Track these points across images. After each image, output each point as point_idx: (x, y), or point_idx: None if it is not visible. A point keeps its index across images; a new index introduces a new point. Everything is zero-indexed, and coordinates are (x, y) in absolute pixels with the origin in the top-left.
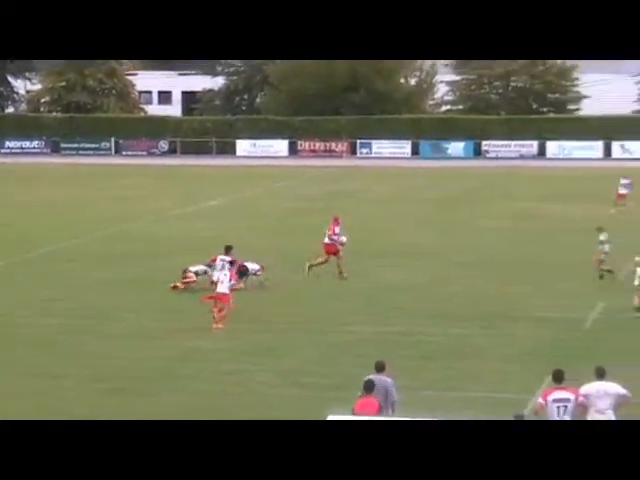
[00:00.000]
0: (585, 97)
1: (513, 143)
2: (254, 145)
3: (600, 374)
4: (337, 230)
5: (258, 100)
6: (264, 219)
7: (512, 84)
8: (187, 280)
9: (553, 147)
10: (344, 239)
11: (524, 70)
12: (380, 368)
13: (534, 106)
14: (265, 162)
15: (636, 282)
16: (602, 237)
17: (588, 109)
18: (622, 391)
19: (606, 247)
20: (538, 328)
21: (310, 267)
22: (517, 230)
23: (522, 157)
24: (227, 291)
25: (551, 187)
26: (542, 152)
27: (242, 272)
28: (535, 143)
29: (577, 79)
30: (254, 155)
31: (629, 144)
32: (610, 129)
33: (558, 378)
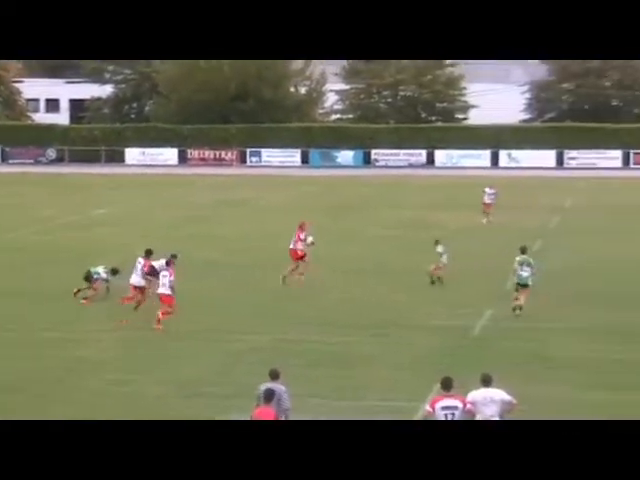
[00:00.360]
0: (473, 106)
1: (402, 152)
2: (143, 153)
3: (486, 381)
4: (302, 236)
5: (147, 108)
6: (154, 227)
7: (401, 93)
8: (95, 286)
9: (441, 156)
10: (310, 239)
11: (413, 79)
12: (274, 376)
13: (423, 115)
14: (154, 170)
15: (515, 280)
16: (439, 249)
17: (476, 118)
18: (507, 397)
19: (444, 258)
20: (427, 336)
21: (284, 278)
22: (406, 238)
23: (411, 166)
24: (169, 292)
25: (440, 196)
26: (431, 161)
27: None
28: (424, 152)
29: (465, 88)
30: (143, 163)
31: (516, 153)
32: (497, 138)
33: (446, 385)
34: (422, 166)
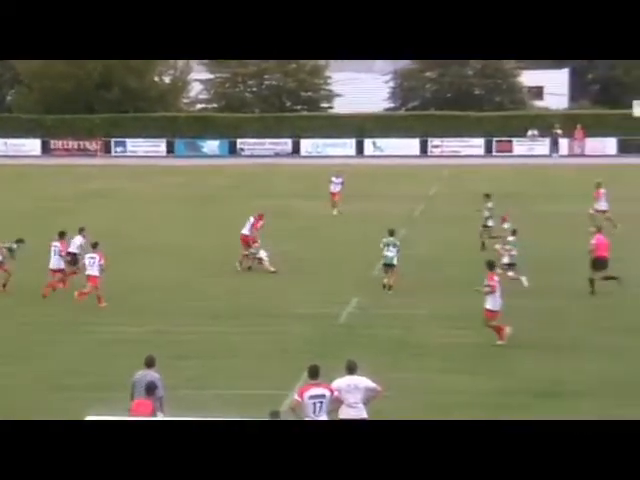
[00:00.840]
0: (338, 95)
1: (268, 141)
2: (5, 144)
3: (350, 368)
4: (259, 225)
5: (9, 98)
6: (17, 219)
7: (266, 82)
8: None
9: (307, 145)
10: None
11: (277, 68)
12: (150, 363)
13: (288, 104)
14: (17, 161)
15: (383, 261)
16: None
17: (341, 107)
18: (372, 385)
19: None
20: (294, 324)
21: (240, 262)
22: (273, 227)
23: (277, 155)
24: (97, 273)
25: (305, 185)
26: (296, 150)
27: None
28: (289, 141)
29: (329, 77)
30: (5, 154)
31: (380, 141)
32: (362, 127)
33: (313, 374)
34: (288, 155)
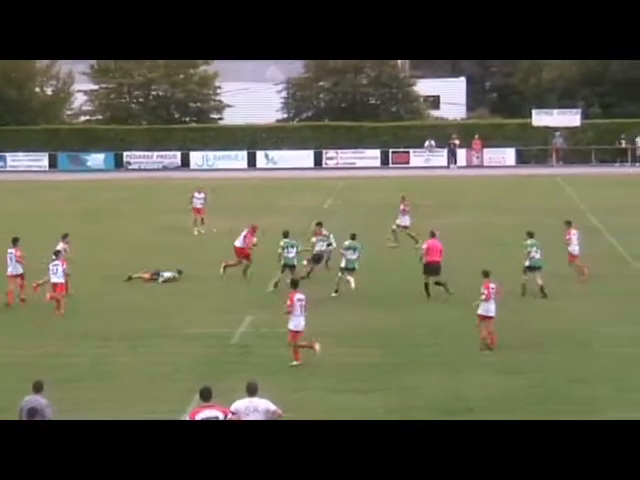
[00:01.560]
0: (228, 106)
1: (155, 154)
2: None
3: (251, 390)
4: (253, 238)
5: None
6: None
7: (153, 93)
8: None
9: (197, 157)
10: (255, 240)
11: (165, 79)
12: (38, 388)
13: (176, 115)
14: None
15: (343, 264)
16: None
17: (231, 118)
18: (272, 407)
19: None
20: (187, 345)
21: (225, 268)
22: (160, 243)
23: (165, 168)
24: (62, 280)
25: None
26: (186, 163)
27: None
28: (178, 154)
29: (219, 87)
30: None
31: (273, 153)
32: (254, 139)
33: (205, 396)
34: (177, 168)
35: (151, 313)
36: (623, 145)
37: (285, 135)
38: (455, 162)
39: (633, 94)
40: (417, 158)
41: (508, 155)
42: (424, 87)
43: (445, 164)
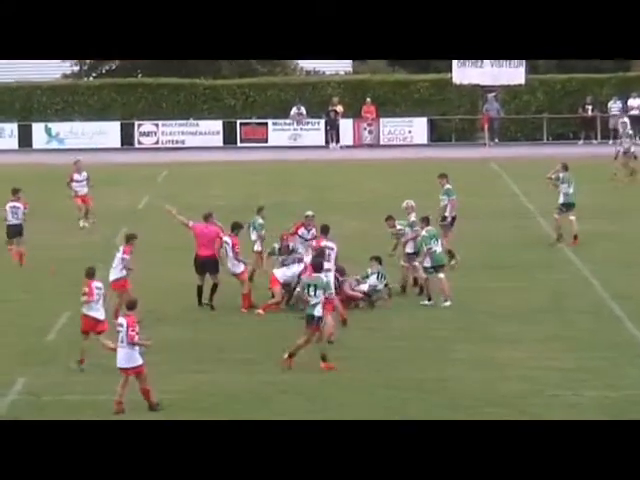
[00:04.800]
0: None
1: None
2: None
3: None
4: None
5: None
6: None
7: None
8: None
9: None
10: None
11: None
12: None
13: None
14: None
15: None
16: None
17: None
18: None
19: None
20: None
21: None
22: None
23: None
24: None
25: None
26: None
27: None
28: None
29: None
30: None
31: (58, 127)
32: (28, 104)
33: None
34: None
35: None
36: (589, 113)
37: (77, 99)
38: (337, 139)
39: None
40: (279, 133)
41: (417, 129)
42: None
43: (322, 142)
